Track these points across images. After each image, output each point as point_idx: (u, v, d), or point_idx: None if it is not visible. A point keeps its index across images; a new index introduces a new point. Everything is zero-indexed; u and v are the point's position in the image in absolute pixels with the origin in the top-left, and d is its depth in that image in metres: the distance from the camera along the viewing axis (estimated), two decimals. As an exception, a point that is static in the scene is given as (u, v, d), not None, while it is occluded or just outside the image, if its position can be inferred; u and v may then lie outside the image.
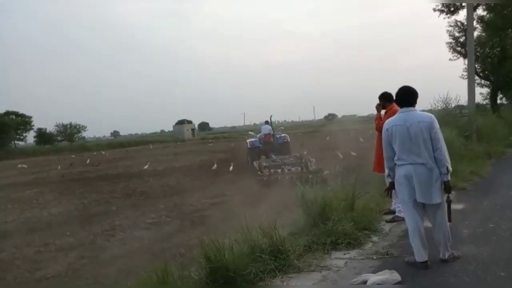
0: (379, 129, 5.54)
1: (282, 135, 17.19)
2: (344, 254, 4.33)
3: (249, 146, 16.42)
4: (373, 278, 3.54)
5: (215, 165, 17.12)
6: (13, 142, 57.54)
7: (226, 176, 14.54)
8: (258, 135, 17.13)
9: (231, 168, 15.90)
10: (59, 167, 24.07)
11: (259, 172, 12.27)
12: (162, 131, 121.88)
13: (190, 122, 72.46)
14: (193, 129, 71.66)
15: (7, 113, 58.12)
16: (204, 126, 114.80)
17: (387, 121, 4.04)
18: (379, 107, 5.88)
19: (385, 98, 5.78)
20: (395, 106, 5.50)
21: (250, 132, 20.33)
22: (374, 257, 4.20)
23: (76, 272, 5.63)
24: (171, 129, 79.32)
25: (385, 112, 5.74)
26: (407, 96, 3.92)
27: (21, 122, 59.05)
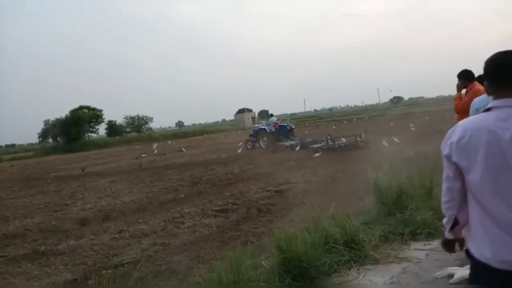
0: (459, 110, 5.07)
1: (289, 124, 22.73)
2: (425, 245, 4.05)
3: (268, 131, 21.42)
4: (460, 272, 3.25)
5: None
6: (86, 134, 61.47)
7: (289, 163, 14.43)
8: (266, 124, 22.15)
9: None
10: (134, 157, 25.50)
11: (323, 143, 17.28)
12: (224, 120, 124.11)
13: (250, 110, 72.99)
14: (253, 117, 72.08)
15: (81, 107, 62.15)
16: (264, 113, 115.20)
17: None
18: (460, 86, 5.32)
19: (465, 77, 5.23)
20: (477, 84, 4.99)
21: (261, 121, 25.26)
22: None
23: (150, 258, 5.80)
24: (232, 118, 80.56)
25: (466, 92, 5.22)
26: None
27: (93, 115, 62.87)
